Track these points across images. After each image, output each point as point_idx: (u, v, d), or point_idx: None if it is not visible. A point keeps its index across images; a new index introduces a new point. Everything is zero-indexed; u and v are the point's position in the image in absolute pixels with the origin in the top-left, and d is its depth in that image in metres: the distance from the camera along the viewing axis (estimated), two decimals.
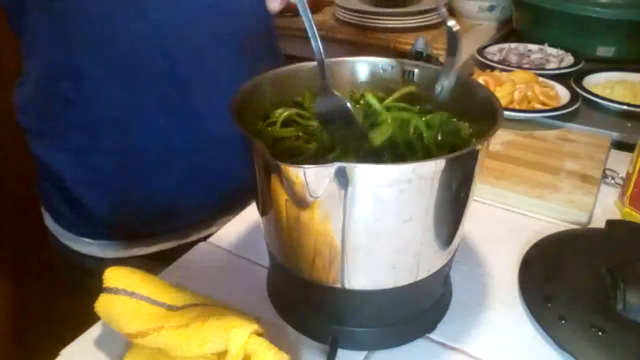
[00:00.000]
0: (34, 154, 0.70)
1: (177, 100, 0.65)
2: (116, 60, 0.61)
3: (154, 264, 0.69)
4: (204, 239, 0.64)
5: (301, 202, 0.40)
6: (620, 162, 0.76)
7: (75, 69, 0.61)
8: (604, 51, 1.13)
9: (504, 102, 0.88)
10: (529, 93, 0.89)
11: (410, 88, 0.53)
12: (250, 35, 0.68)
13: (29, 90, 0.66)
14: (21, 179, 0.90)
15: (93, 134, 0.65)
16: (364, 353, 0.49)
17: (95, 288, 0.49)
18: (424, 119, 0.50)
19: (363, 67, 0.56)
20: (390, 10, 1.35)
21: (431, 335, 0.51)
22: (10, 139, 0.96)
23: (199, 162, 0.69)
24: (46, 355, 0.49)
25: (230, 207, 0.76)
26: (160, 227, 0.73)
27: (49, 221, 0.76)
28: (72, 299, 0.72)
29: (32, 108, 0.67)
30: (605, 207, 0.69)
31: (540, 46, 1.16)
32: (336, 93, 0.46)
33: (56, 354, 0.49)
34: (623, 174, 0.70)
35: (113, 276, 0.47)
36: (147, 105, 0.64)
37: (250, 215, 0.67)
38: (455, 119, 0.50)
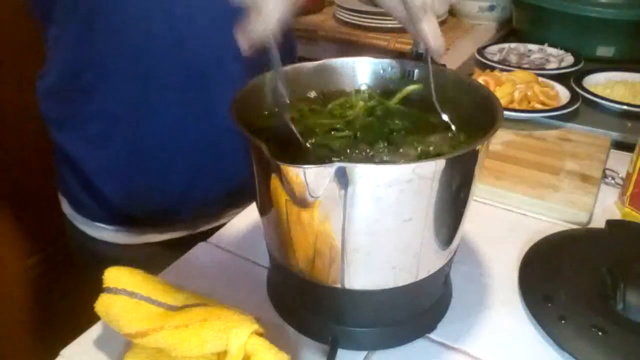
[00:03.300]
0: (54, 142, 0.73)
1: (192, 93, 0.67)
2: (135, 52, 0.63)
3: (164, 251, 0.74)
4: (213, 230, 0.65)
5: (301, 202, 0.40)
6: (620, 162, 0.76)
7: (98, 61, 0.64)
8: (604, 51, 1.13)
9: (504, 102, 0.88)
10: (529, 93, 0.89)
11: (415, 86, 0.53)
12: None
13: (52, 80, 0.68)
14: (40, 168, 0.93)
15: (111, 124, 0.67)
16: (364, 353, 0.49)
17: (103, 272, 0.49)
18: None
19: (363, 67, 0.56)
20: None
21: (431, 335, 0.51)
22: (29, 131, 0.99)
23: (211, 154, 0.71)
24: (59, 346, 0.49)
25: (239, 200, 0.78)
26: (171, 216, 0.76)
27: (66, 208, 0.79)
28: (85, 286, 0.74)
29: (54, 98, 0.70)
30: (605, 207, 0.69)
31: (540, 46, 1.16)
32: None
33: (56, 354, 0.49)
34: (623, 174, 0.70)
35: (113, 276, 0.47)
36: (163, 97, 0.66)
37: (250, 215, 0.67)
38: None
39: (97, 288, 0.47)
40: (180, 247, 0.62)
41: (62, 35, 0.65)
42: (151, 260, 0.70)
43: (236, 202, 0.78)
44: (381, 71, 0.55)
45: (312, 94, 0.55)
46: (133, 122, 0.67)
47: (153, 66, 0.64)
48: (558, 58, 1.12)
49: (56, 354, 0.49)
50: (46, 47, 0.68)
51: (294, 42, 0.82)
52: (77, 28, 0.63)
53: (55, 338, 0.52)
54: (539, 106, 0.89)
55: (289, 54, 0.79)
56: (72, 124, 0.70)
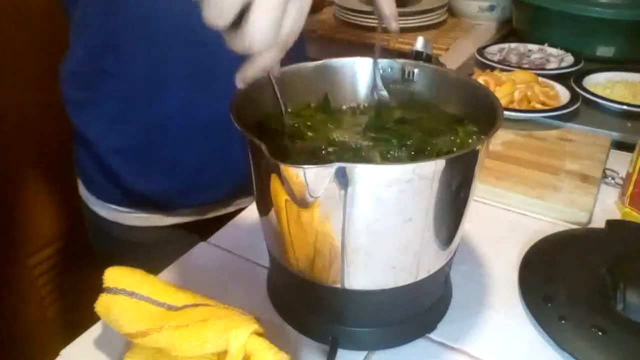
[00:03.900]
0: (72, 123, 0.77)
1: (203, 79, 0.69)
2: (152, 37, 0.67)
3: (173, 235, 0.80)
4: (221, 217, 0.68)
5: (301, 202, 0.40)
6: (620, 162, 0.76)
7: (117, 44, 0.67)
8: (604, 51, 1.13)
9: (504, 102, 0.88)
10: (529, 93, 0.89)
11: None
12: None
13: (74, 64, 0.73)
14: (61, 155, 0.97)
15: (125, 105, 0.71)
16: (364, 353, 0.49)
17: (118, 254, 0.59)
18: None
19: (363, 67, 0.56)
20: None
21: (431, 335, 0.51)
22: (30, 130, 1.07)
23: (219, 141, 0.73)
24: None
25: (246, 189, 0.79)
26: (180, 200, 0.79)
27: (82, 190, 0.83)
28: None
29: (74, 80, 0.74)
30: (605, 207, 0.69)
31: (540, 46, 1.16)
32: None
33: (56, 354, 0.49)
34: (623, 174, 0.70)
35: (113, 276, 0.47)
36: (175, 81, 0.69)
37: (250, 215, 0.67)
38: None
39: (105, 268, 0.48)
40: (188, 231, 0.69)
41: (83, 22, 0.70)
42: (161, 243, 0.77)
43: (242, 192, 0.81)
44: (381, 71, 0.55)
45: (312, 104, 0.55)
46: (145, 104, 0.70)
47: (166, 49, 0.67)
48: (558, 58, 1.12)
49: (57, 353, 0.49)
50: (70, 34, 0.73)
51: (303, 42, 0.85)
52: (97, 14, 0.67)
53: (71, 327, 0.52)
54: (539, 106, 0.89)
55: (299, 54, 0.81)
56: (90, 105, 0.73)
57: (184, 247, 0.63)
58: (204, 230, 0.66)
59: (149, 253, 0.78)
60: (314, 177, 0.36)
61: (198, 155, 0.74)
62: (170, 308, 0.46)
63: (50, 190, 1.16)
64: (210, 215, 0.81)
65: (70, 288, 1.25)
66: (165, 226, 0.80)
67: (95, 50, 0.70)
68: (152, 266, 0.58)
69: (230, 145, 0.73)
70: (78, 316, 0.50)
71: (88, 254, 1.02)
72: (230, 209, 0.82)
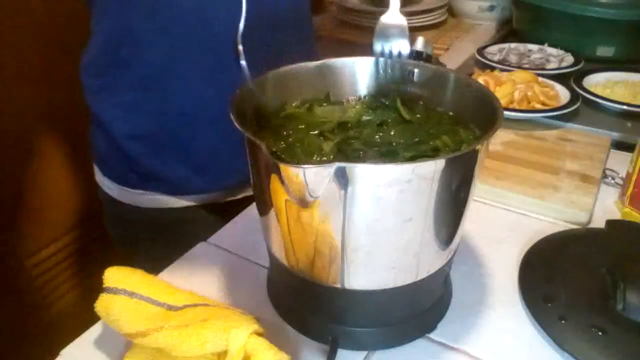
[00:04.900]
0: (90, 109, 0.80)
1: (215, 70, 0.72)
2: (168, 30, 0.70)
3: (188, 216, 0.83)
4: (232, 202, 0.69)
5: (301, 202, 0.40)
6: (620, 162, 0.76)
7: (135, 36, 0.70)
8: (604, 51, 1.13)
9: (504, 102, 0.88)
10: (529, 93, 0.89)
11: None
12: (289, 30, 0.76)
13: (93, 54, 0.77)
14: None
15: (141, 93, 0.74)
16: (364, 353, 0.49)
17: (133, 238, 0.66)
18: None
19: (363, 67, 0.56)
20: None
21: (431, 335, 0.51)
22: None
23: (229, 131, 0.73)
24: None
25: None
26: (192, 186, 0.81)
27: (98, 175, 0.86)
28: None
29: (93, 69, 0.78)
30: (605, 207, 0.69)
31: (540, 46, 1.16)
32: None
33: (56, 354, 0.49)
34: (623, 174, 0.70)
35: (113, 276, 0.47)
36: (188, 71, 0.72)
37: (250, 215, 0.67)
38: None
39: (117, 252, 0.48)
40: (207, 212, 0.75)
41: (102, 12, 0.73)
42: (178, 225, 0.80)
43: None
44: (381, 71, 0.55)
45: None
46: (160, 93, 0.73)
47: (180, 41, 0.70)
48: (558, 58, 1.12)
49: (56, 353, 0.49)
50: (90, 27, 0.76)
51: (312, 41, 0.88)
52: (116, 9, 0.71)
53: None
54: (539, 106, 0.89)
55: (309, 54, 0.83)
56: (107, 93, 0.77)
57: (202, 228, 0.65)
58: (223, 212, 0.68)
59: (164, 236, 0.81)
60: (313, 177, 0.36)
61: (208, 145, 0.76)
62: (170, 308, 0.46)
63: (61, 185, 1.18)
64: (222, 201, 0.83)
65: (77, 285, 1.27)
66: (179, 207, 0.83)
67: (112, 39, 0.73)
68: (169, 249, 0.61)
69: (240, 136, 0.76)
70: (85, 313, 0.50)
71: (99, 250, 1.02)
72: (246, 194, 0.84)
